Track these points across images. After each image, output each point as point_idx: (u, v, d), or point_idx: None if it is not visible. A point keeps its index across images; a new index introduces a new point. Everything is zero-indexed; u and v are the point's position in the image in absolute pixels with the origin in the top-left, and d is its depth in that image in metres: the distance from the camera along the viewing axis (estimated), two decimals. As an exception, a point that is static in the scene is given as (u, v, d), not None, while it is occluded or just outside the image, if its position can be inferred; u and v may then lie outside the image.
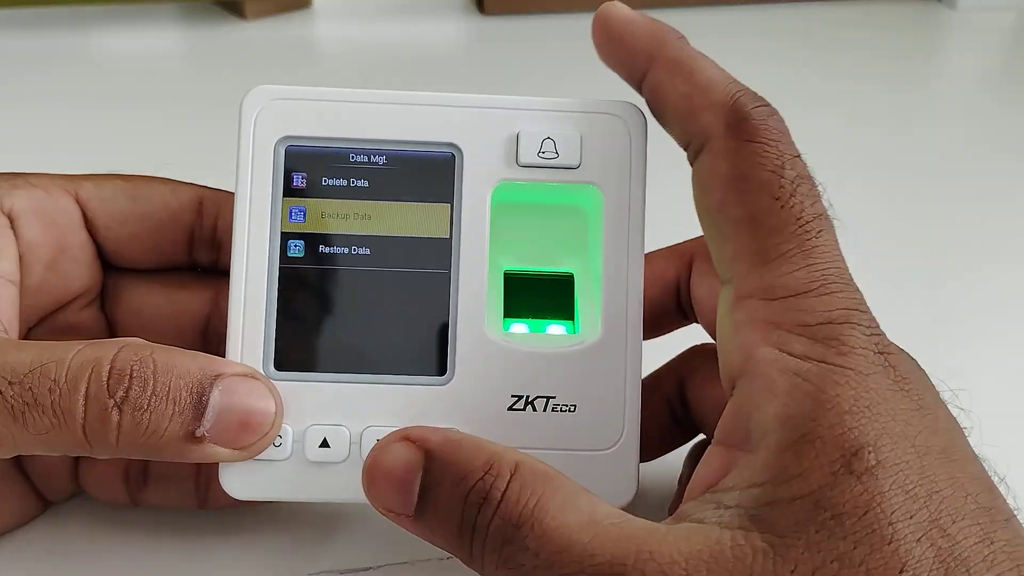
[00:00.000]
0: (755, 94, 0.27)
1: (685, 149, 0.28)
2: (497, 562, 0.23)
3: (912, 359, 0.26)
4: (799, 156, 0.26)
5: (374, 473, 0.25)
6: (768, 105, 0.27)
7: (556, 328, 0.31)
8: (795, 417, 0.23)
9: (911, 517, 0.21)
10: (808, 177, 0.26)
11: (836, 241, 0.26)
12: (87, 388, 0.25)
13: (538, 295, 0.31)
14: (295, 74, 0.73)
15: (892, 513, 0.21)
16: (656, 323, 0.33)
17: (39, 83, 0.72)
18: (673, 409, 0.34)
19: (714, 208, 0.26)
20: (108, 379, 0.25)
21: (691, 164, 0.28)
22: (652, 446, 0.34)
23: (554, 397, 0.29)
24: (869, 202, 0.59)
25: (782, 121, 0.26)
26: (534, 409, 0.29)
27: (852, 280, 0.25)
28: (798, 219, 0.25)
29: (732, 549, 0.22)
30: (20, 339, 0.31)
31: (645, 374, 0.34)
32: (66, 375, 0.25)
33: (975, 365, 0.44)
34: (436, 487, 0.24)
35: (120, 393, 0.25)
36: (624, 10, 0.29)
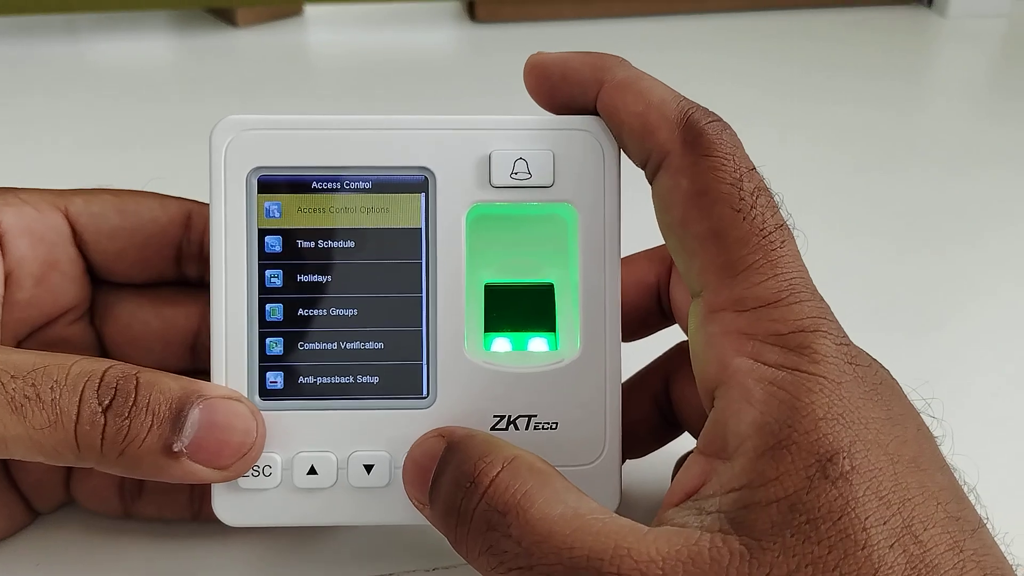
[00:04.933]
0: (706, 110, 0.27)
1: (643, 168, 0.28)
2: (480, 547, 0.24)
3: (883, 368, 0.26)
4: (754, 169, 0.27)
5: (407, 464, 0.28)
6: (720, 120, 0.27)
7: (537, 341, 0.31)
8: (771, 424, 0.23)
9: (884, 523, 0.22)
10: (765, 189, 0.26)
11: (798, 251, 0.26)
12: (83, 392, 0.27)
13: (518, 307, 0.31)
14: (286, 83, 0.74)
15: (866, 519, 0.22)
16: (639, 326, 0.34)
17: (29, 92, 0.72)
18: (660, 407, 0.34)
19: (677, 224, 0.27)
20: (98, 389, 0.27)
21: (650, 182, 0.28)
22: (640, 443, 0.35)
23: (536, 415, 0.30)
24: (858, 209, 0.59)
25: (735, 135, 0.27)
26: (516, 428, 0.30)
27: (816, 289, 0.26)
28: (761, 230, 0.26)
29: (710, 551, 0.22)
30: None
31: (632, 374, 0.34)
32: (67, 378, 0.27)
33: (948, 375, 0.44)
34: (442, 475, 0.26)
35: (106, 402, 0.27)
36: (554, 54, 0.30)
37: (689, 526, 0.23)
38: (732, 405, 0.25)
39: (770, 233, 0.26)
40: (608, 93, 0.28)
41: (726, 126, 0.27)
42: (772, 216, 0.26)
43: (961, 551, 0.22)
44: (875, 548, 0.22)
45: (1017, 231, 0.58)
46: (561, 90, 0.30)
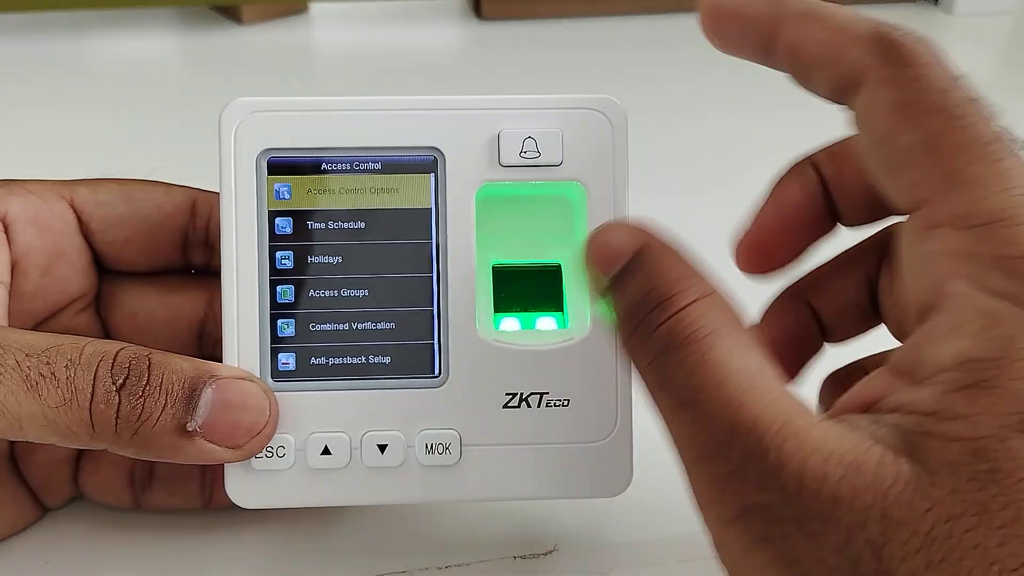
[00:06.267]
0: (898, 25, 0.25)
1: (836, 99, 0.26)
2: (650, 362, 0.23)
3: None
4: (962, 77, 0.24)
5: (592, 240, 0.26)
6: (914, 33, 0.25)
7: (546, 320, 0.31)
8: (978, 361, 0.21)
9: None
10: (977, 97, 0.24)
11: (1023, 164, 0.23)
12: (98, 371, 0.27)
13: (527, 287, 0.31)
14: (291, 80, 0.74)
15: None
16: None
17: (35, 88, 0.72)
18: (872, 287, 0.31)
19: (882, 140, 0.25)
20: (111, 369, 0.27)
21: (846, 108, 0.26)
22: (844, 326, 0.32)
23: (547, 393, 0.30)
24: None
25: (935, 46, 0.25)
26: (528, 406, 0.30)
27: None
28: (978, 138, 0.23)
29: (876, 466, 0.21)
30: None
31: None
32: (81, 357, 0.27)
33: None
34: (630, 274, 0.25)
35: (119, 381, 0.27)
36: None
37: (863, 430, 0.22)
38: (938, 331, 0.22)
39: (989, 143, 0.23)
40: (787, 28, 0.26)
41: (923, 37, 0.25)
42: (989, 125, 0.23)
43: None
44: None
45: None
46: (733, 29, 0.28)
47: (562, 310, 0.31)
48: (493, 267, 0.31)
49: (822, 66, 0.26)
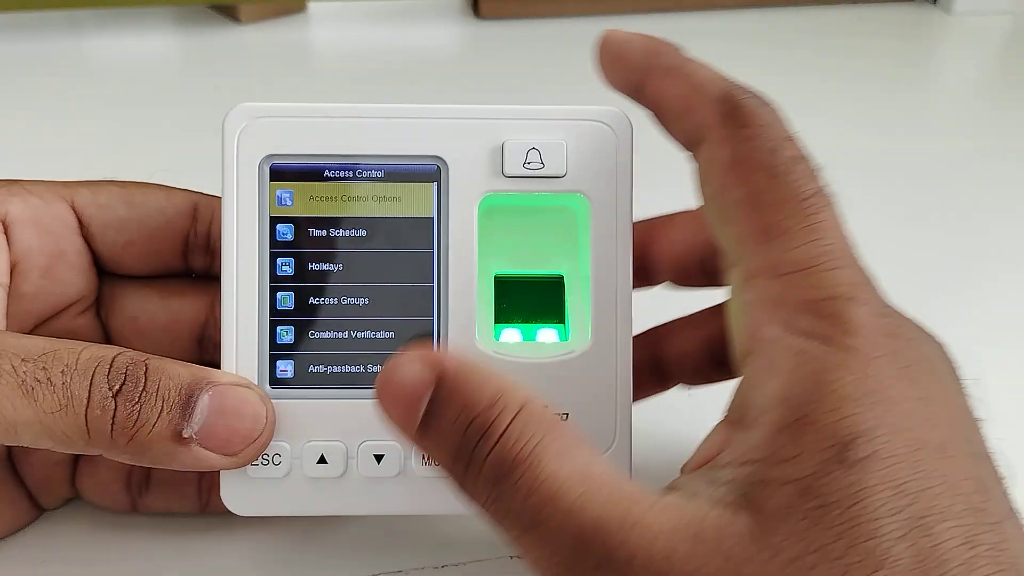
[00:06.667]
0: (747, 87, 0.27)
1: (689, 150, 0.28)
2: (487, 499, 0.24)
3: (930, 342, 0.25)
4: (792, 138, 0.26)
5: (385, 385, 0.25)
6: (759, 96, 0.27)
7: (547, 332, 0.31)
8: (794, 398, 0.23)
9: (896, 514, 0.21)
10: (803, 156, 0.26)
11: (839, 217, 0.25)
12: (94, 376, 0.26)
13: (528, 298, 0.31)
14: (289, 79, 0.73)
15: (877, 509, 0.21)
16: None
17: (33, 88, 0.72)
18: (713, 345, 0.34)
19: (715, 195, 0.26)
20: (108, 374, 0.27)
21: (694, 162, 0.28)
22: (682, 374, 0.34)
23: (547, 406, 0.29)
24: (865, 206, 0.59)
25: (775, 109, 0.26)
26: None
27: (858, 258, 0.25)
28: (797, 195, 0.25)
29: (716, 529, 0.22)
30: None
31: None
32: (77, 362, 0.27)
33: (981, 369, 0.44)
34: (440, 412, 0.24)
35: (116, 387, 0.26)
36: (621, 32, 0.29)
37: (700, 495, 0.23)
38: (757, 374, 0.24)
39: (808, 198, 0.25)
40: (654, 78, 0.28)
41: (765, 101, 0.26)
42: (810, 182, 0.25)
43: (975, 545, 0.21)
44: (883, 539, 0.21)
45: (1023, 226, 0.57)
46: (616, 68, 0.29)
47: (563, 322, 0.31)
48: (495, 277, 0.31)
49: (676, 120, 0.28)
